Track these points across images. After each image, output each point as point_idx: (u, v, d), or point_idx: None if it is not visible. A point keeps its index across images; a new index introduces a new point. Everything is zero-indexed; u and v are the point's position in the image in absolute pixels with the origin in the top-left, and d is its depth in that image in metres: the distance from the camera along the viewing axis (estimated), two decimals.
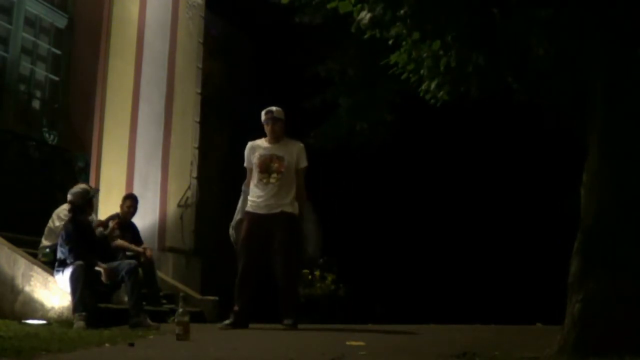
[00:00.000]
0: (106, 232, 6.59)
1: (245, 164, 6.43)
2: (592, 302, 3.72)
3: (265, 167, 6.26)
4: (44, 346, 4.05)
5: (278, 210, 6.17)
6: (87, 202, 6.40)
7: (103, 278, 6.13)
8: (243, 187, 6.43)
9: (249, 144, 6.46)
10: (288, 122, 6.49)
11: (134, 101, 9.63)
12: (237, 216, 6.40)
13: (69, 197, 6.41)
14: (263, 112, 6.40)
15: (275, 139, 6.36)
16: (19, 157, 7.97)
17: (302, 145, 6.45)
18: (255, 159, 6.31)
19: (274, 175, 6.24)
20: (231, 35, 13.95)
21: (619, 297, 3.68)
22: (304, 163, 6.37)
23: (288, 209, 6.20)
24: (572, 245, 3.97)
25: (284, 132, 6.42)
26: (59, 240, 6.27)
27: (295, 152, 6.35)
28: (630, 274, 3.72)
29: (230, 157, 6.54)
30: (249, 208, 6.27)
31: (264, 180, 6.23)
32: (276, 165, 6.26)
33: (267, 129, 6.40)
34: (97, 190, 7.33)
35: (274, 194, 6.20)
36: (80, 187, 6.59)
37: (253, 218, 6.22)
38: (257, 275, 6.25)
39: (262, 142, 6.42)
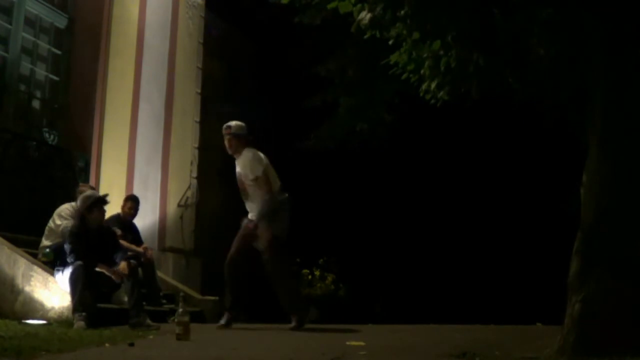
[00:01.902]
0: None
1: None
2: (592, 302, 3.73)
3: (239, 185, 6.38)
4: (44, 346, 4.06)
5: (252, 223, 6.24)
6: (89, 207, 6.37)
7: (115, 278, 6.16)
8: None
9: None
10: (287, 122, 6.47)
11: (134, 101, 9.61)
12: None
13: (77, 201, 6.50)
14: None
15: (233, 154, 6.40)
16: (19, 157, 7.96)
17: (250, 154, 6.28)
18: None
19: (243, 192, 6.34)
20: (231, 35, 13.95)
21: (619, 297, 3.68)
22: (251, 175, 6.23)
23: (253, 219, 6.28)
24: (572, 245, 3.98)
25: (240, 145, 6.32)
26: (65, 239, 6.29)
27: (242, 164, 6.32)
28: (630, 274, 3.72)
29: (230, 157, 6.52)
30: None
31: (243, 197, 6.36)
32: (240, 181, 6.35)
33: None
34: (93, 189, 7.34)
35: (248, 208, 6.33)
36: (86, 193, 6.58)
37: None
38: (242, 268, 6.25)
39: None
